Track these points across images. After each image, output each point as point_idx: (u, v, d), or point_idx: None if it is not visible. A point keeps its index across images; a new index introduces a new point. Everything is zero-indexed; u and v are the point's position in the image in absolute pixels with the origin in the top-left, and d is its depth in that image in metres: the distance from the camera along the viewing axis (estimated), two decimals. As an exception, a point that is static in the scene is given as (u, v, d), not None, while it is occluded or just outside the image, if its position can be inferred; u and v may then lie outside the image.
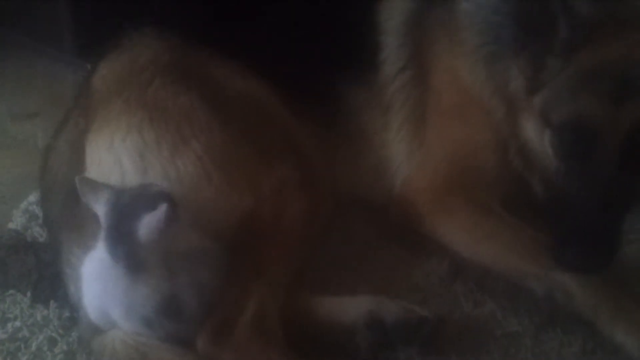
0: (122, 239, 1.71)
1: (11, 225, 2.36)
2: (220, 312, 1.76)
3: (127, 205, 1.73)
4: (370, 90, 2.21)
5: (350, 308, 1.89)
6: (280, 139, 2.08)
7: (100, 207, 1.78)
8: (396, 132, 2.20)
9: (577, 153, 1.83)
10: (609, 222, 1.78)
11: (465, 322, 1.93)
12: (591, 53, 1.80)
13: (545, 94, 1.89)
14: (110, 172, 1.94)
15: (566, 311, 1.89)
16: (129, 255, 1.70)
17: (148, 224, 1.68)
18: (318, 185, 2.11)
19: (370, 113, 2.22)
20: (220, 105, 2.03)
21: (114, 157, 1.95)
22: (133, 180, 1.90)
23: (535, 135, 1.94)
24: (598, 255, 1.79)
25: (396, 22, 2.20)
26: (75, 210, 1.99)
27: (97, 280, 1.77)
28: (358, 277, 2.06)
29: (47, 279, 2.10)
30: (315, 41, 2.22)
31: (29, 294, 2.07)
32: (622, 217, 1.81)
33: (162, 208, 1.67)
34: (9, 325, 1.99)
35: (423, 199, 2.13)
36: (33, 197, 2.42)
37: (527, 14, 1.85)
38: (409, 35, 2.18)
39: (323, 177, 2.16)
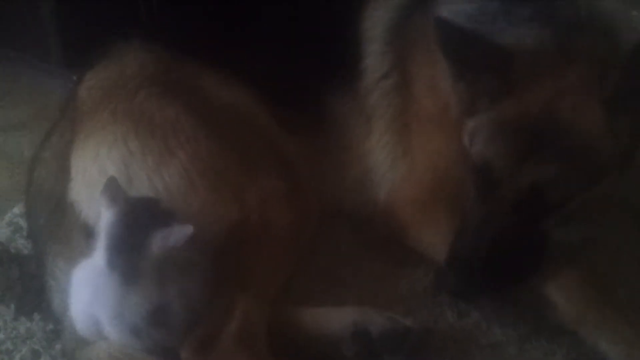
0: (125, 249, 1.71)
1: (-5, 238, 2.35)
2: (205, 323, 1.75)
3: (137, 219, 1.73)
4: (354, 99, 2.21)
5: (335, 319, 1.89)
6: (266, 149, 2.09)
7: (108, 214, 1.76)
8: (379, 140, 2.20)
9: (482, 189, 1.88)
10: (495, 258, 1.83)
11: (450, 333, 1.94)
12: (512, 103, 1.82)
13: (472, 123, 1.91)
14: (95, 182, 1.94)
15: (550, 321, 1.90)
16: (128, 266, 1.70)
17: (161, 240, 1.68)
18: (304, 195, 2.11)
19: (354, 121, 2.22)
20: (206, 116, 2.03)
21: (100, 168, 1.95)
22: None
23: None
24: (471, 285, 1.85)
25: (378, 30, 2.20)
26: (61, 222, 2.00)
27: (88, 289, 1.76)
28: (343, 288, 2.06)
29: (31, 291, 2.09)
30: (299, 51, 2.22)
31: (12, 306, 2.06)
32: (511, 258, 1.84)
33: (179, 228, 1.68)
34: (-7, 337, 1.97)
35: (407, 210, 2.14)
36: (17, 209, 2.40)
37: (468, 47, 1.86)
38: (390, 44, 2.18)
39: (309, 188, 2.16)
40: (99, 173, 1.95)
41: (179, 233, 1.67)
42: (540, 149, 1.77)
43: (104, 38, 2.25)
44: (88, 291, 1.76)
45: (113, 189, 1.77)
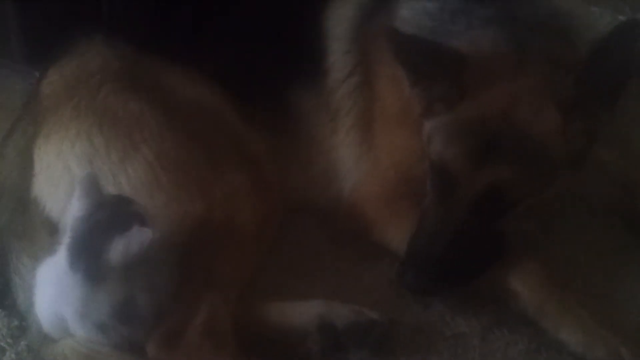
0: (87, 251, 1.69)
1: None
2: (171, 318, 1.75)
3: (101, 222, 1.70)
4: (319, 96, 2.23)
5: (301, 312, 1.90)
6: (231, 145, 2.09)
7: (78, 208, 1.74)
8: (344, 137, 2.22)
9: (439, 189, 1.92)
10: (450, 255, 1.87)
11: (415, 324, 1.96)
12: (467, 106, 1.86)
13: (430, 125, 1.95)
14: (59, 178, 1.93)
15: (512, 312, 1.93)
16: (92, 264, 1.68)
17: (121, 246, 1.66)
18: (269, 191, 2.12)
19: (319, 118, 2.23)
20: (170, 111, 2.03)
21: (63, 163, 1.94)
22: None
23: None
24: (427, 282, 1.89)
25: (342, 29, 2.22)
26: (24, 217, 1.98)
27: (52, 286, 1.75)
28: (309, 282, 2.07)
29: (-5, 288, 2.07)
30: (264, 48, 2.23)
31: (-24, 303, 2.04)
32: (466, 255, 1.88)
33: (138, 233, 1.66)
34: (-44, 335, 1.95)
35: (372, 205, 2.16)
36: (-21, 206, 2.37)
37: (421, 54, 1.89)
38: (354, 42, 2.20)
39: (274, 183, 2.17)
40: (62, 169, 1.94)
41: (138, 238, 1.66)
42: (496, 150, 1.81)
43: (66, 34, 2.23)
44: (53, 288, 1.75)
45: (89, 183, 1.75)
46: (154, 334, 1.74)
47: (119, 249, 1.66)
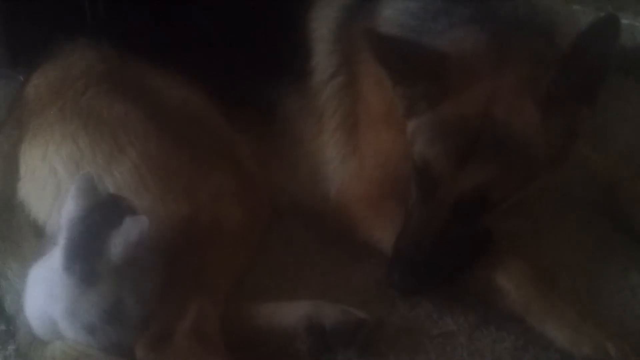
0: (83, 252, 1.69)
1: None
2: (159, 321, 1.75)
3: (97, 222, 1.71)
4: (304, 97, 2.23)
5: (289, 313, 1.90)
6: (217, 146, 2.09)
7: (74, 208, 1.73)
8: (329, 137, 2.22)
9: (424, 189, 1.93)
10: (436, 254, 1.88)
11: (403, 323, 1.96)
12: (449, 106, 1.87)
13: (412, 125, 1.96)
14: (45, 181, 1.93)
15: (499, 310, 1.94)
16: (87, 266, 1.68)
17: (120, 239, 1.66)
18: (255, 192, 2.12)
19: (305, 119, 2.24)
20: (156, 113, 2.03)
21: (49, 167, 1.94)
22: (69, 189, 1.88)
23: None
24: (413, 282, 1.90)
25: (326, 30, 2.23)
26: (10, 221, 1.98)
27: (43, 287, 1.75)
28: (297, 283, 2.08)
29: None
30: (249, 50, 2.23)
31: (-37, 308, 2.03)
32: (451, 254, 1.89)
33: (134, 222, 1.66)
34: (-57, 340, 1.94)
35: (358, 205, 2.17)
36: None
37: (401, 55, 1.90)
38: (338, 43, 2.21)
39: (260, 184, 2.17)
40: (48, 171, 1.94)
41: (135, 227, 1.66)
42: (478, 149, 1.82)
43: (50, 37, 2.23)
44: (44, 288, 1.74)
45: (85, 183, 1.75)
46: (143, 337, 1.73)
47: (119, 242, 1.66)
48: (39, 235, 1.92)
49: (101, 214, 1.71)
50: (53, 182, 1.93)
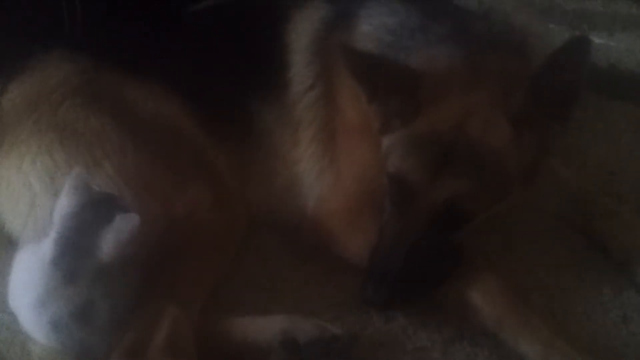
0: (72, 249, 1.70)
1: None
2: (132, 333, 1.74)
3: (89, 219, 1.72)
4: (281, 109, 2.23)
5: (264, 327, 1.90)
6: (194, 159, 2.09)
7: (67, 205, 1.75)
8: (306, 150, 2.23)
9: (398, 203, 1.95)
10: (410, 268, 1.89)
11: (377, 338, 1.97)
12: (422, 121, 1.90)
13: (387, 140, 1.98)
14: (19, 194, 1.93)
15: (473, 325, 1.95)
16: (73, 265, 1.69)
17: (111, 236, 1.69)
18: (231, 204, 2.12)
19: (281, 131, 2.24)
20: (132, 126, 2.03)
21: (24, 179, 1.93)
22: (44, 202, 1.88)
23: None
24: (387, 296, 1.90)
25: (303, 42, 2.24)
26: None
27: (23, 272, 1.77)
28: (272, 296, 2.08)
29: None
30: (226, 62, 2.24)
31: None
32: (425, 268, 1.91)
33: (125, 220, 1.68)
34: None
35: (334, 219, 2.17)
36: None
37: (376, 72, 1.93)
38: (315, 55, 2.22)
39: (236, 197, 2.17)
40: (23, 184, 1.93)
41: (126, 225, 1.67)
42: (451, 164, 1.85)
43: (26, 49, 2.22)
44: (23, 274, 1.77)
45: (79, 181, 1.76)
46: (115, 350, 1.73)
47: (109, 240, 1.68)
48: (14, 249, 1.91)
49: (93, 211, 1.73)
50: (28, 195, 1.92)
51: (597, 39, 3.16)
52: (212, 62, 2.24)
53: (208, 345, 1.84)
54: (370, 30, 2.15)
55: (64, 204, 1.75)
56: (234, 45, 2.27)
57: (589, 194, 2.30)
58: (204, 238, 1.97)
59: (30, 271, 1.75)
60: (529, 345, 1.85)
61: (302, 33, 2.26)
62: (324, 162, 2.22)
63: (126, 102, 2.11)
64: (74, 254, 1.71)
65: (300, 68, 2.23)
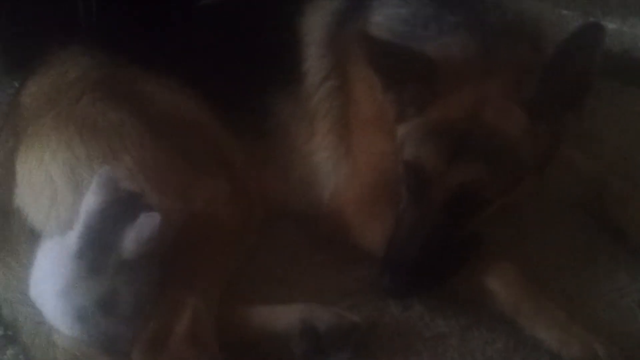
0: (97, 244, 1.74)
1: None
2: (154, 323, 1.77)
3: (114, 216, 1.76)
4: (296, 101, 2.25)
5: (283, 317, 1.92)
6: (211, 152, 2.11)
7: (93, 202, 1.78)
8: (321, 141, 2.25)
9: (414, 191, 1.96)
10: (427, 256, 1.91)
11: (395, 326, 1.99)
12: (438, 109, 1.91)
13: (402, 129, 1.99)
14: (41, 188, 1.94)
15: (490, 311, 1.96)
16: (98, 258, 1.73)
17: (133, 234, 1.72)
18: (248, 196, 2.14)
19: (297, 123, 2.26)
20: (150, 119, 2.04)
21: (45, 174, 1.95)
22: (65, 195, 1.91)
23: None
24: (405, 284, 1.93)
25: (317, 34, 2.25)
26: (6, 228, 1.99)
27: (49, 262, 1.80)
28: (290, 286, 2.09)
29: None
30: (242, 54, 2.26)
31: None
32: (442, 256, 1.93)
33: (147, 219, 1.72)
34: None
35: (350, 209, 2.18)
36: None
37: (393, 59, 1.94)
38: (329, 47, 2.23)
39: (253, 188, 2.18)
40: (44, 179, 1.95)
41: (148, 224, 1.71)
42: (466, 151, 1.86)
43: (44, 44, 2.24)
44: (48, 264, 1.80)
45: (106, 178, 1.79)
46: (137, 340, 1.75)
47: (132, 238, 1.72)
48: (36, 242, 1.93)
49: (118, 209, 1.76)
50: (49, 189, 1.94)
51: (610, 25, 3.14)
52: (227, 56, 2.26)
53: (228, 334, 1.86)
54: (384, 20, 2.15)
55: (90, 200, 1.78)
56: (248, 39, 2.28)
57: (604, 180, 2.30)
58: (222, 229, 1.99)
59: (55, 262, 1.78)
60: (546, 331, 1.87)
61: (315, 26, 2.27)
62: (340, 153, 2.23)
63: (144, 96, 2.13)
64: (98, 248, 1.74)
65: (314, 61, 2.25)
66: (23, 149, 2.02)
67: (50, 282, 1.77)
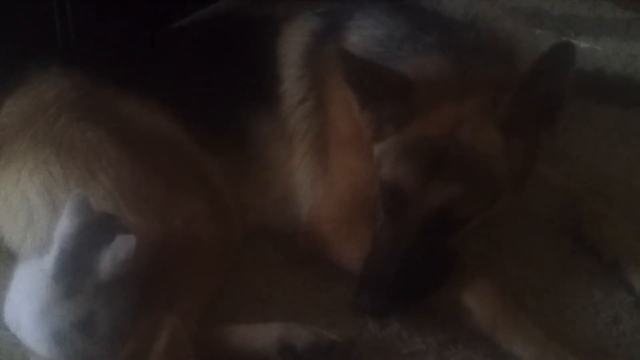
0: (73, 266, 1.74)
1: None
2: (132, 344, 1.77)
3: (89, 239, 1.75)
4: (275, 122, 2.27)
5: (262, 335, 1.92)
6: (190, 172, 2.12)
7: (68, 225, 1.77)
8: (300, 161, 2.26)
9: (391, 210, 1.97)
10: (404, 274, 1.92)
11: (373, 343, 1.99)
12: (414, 127, 1.94)
13: (379, 148, 2.02)
14: (17, 208, 1.94)
15: (467, 328, 1.97)
16: (74, 281, 1.73)
17: (108, 257, 1.72)
18: (227, 215, 2.14)
19: (276, 143, 2.27)
20: (128, 140, 2.05)
21: (22, 194, 1.95)
22: (42, 216, 1.90)
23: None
24: (383, 302, 1.94)
25: (294, 55, 2.28)
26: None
27: (25, 285, 1.80)
28: (269, 305, 2.10)
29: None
30: (220, 76, 2.27)
31: None
32: (419, 273, 1.94)
33: (123, 241, 1.72)
34: None
35: (328, 227, 2.19)
36: None
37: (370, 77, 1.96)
38: (306, 68, 2.25)
39: (232, 208, 2.18)
40: (20, 199, 1.95)
41: (124, 246, 1.71)
42: (443, 170, 1.88)
43: (21, 64, 2.24)
44: (24, 287, 1.79)
45: (80, 201, 1.78)
46: (112, 359, 1.75)
47: (108, 260, 1.71)
48: (12, 262, 1.93)
49: (93, 232, 1.76)
50: (26, 209, 1.94)
51: (583, 43, 3.20)
52: (205, 77, 2.27)
53: (206, 354, 1.86)
54: (360, 41, 2.18)
55: (65, 224, 1.78)
56: (227, 60, 2.30)
57: (578, 197, 2.33)
58: (201, 249, 1.99)
59: (32, 284, 1.77)
60: (523, 347, 1.88)
61: (292, 46, 2.29)
62: (318, 172, 2.25)
63: (121, 116, 2.13)
64: (74, 271, 1.74)
65: (292, 82, 2.27)
66: (0, 169, 2.01)
67: (28, 304, 1.76)
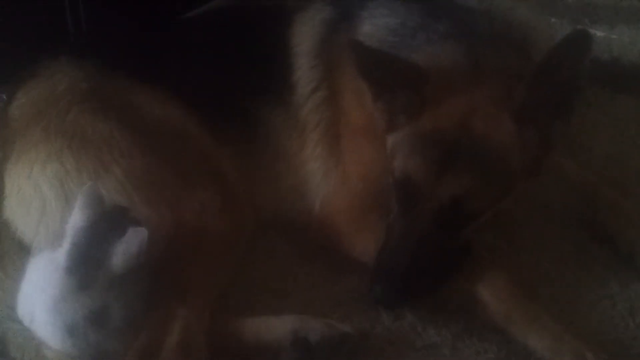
0: (85, 260, 1.74)
1: None
2: (145, 336, 1.77)
3: (101, 232, 1.76)
4: (287, 112, 2.25)
5: (275, 328, 1.91)
6: (201, 162, 2.11)
7: (80, 219, 1.77)
8: (312, 151, 2.25)
9: (403, 202, 1.96)
10: (417, 266, 1.90)
11: (387, 336, 1.98)
12: (427, 118, 1.92)
13: (392, 139, 2.00)
14: (30, 200, 1.95)
15: (481, 320, 1.96)
16: (87, 274, 1.73)
17: (121, 250, 1.72)
18: (239, 206, 2.13)
19: (288, 134, 2.26)
20: (140, 131, 2.04)
21: (34, 185, 1.95)
22: (55, 208, 1.90)
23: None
24: (396, 295, 1.92)
25: (306, 45, 2.26)
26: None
27: (35, 280, 1.80)
28: (281, 297, 2.09)
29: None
30: (231, 66, 2.26)
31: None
32: (433, 265, 1.92)
33: (134, 234, 1.72)
34: None
35: (341, 218, 2.18)
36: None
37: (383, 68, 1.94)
38: (319, 57, 2.24)
39: (244, 199, 2.18)
40: (33, 191, 1.95)
41: (135, 239, 1.71)
42: (456, 161, 1.86)
43: (33, 56, 2.24)
44: (38, 278, 1.79)
45: (92, 194, 1.78)
46: (128, 354, 1.75)
47: (120, 253, 1.72)
48: (25, 254, 1.93)
49: (105, 225, 1.77)
50: (38, 201, 1.94)
51: (599, 32, 3.17)
52: (217, 67, 2.26)
53: (219, 346, 1.85)
54: (373, 30, 2.17)
55: (77, 217, 1.78)
56: (239, 50, 2.28)
57: (594, 188, 2.31)
58: (212, 241, 1.98)
59: (45, 277, 1.78)
60: (537, 340, 1.87)
61: (305, 36, 2.28)
62: (330, 163, 2.23)
63: (133, 107, 2.13)
64: (87, 263, 1.74)
65: (304, 71, 2.25)
66: (12, 161, 2.02)
67: (41, 297, 1.76)
